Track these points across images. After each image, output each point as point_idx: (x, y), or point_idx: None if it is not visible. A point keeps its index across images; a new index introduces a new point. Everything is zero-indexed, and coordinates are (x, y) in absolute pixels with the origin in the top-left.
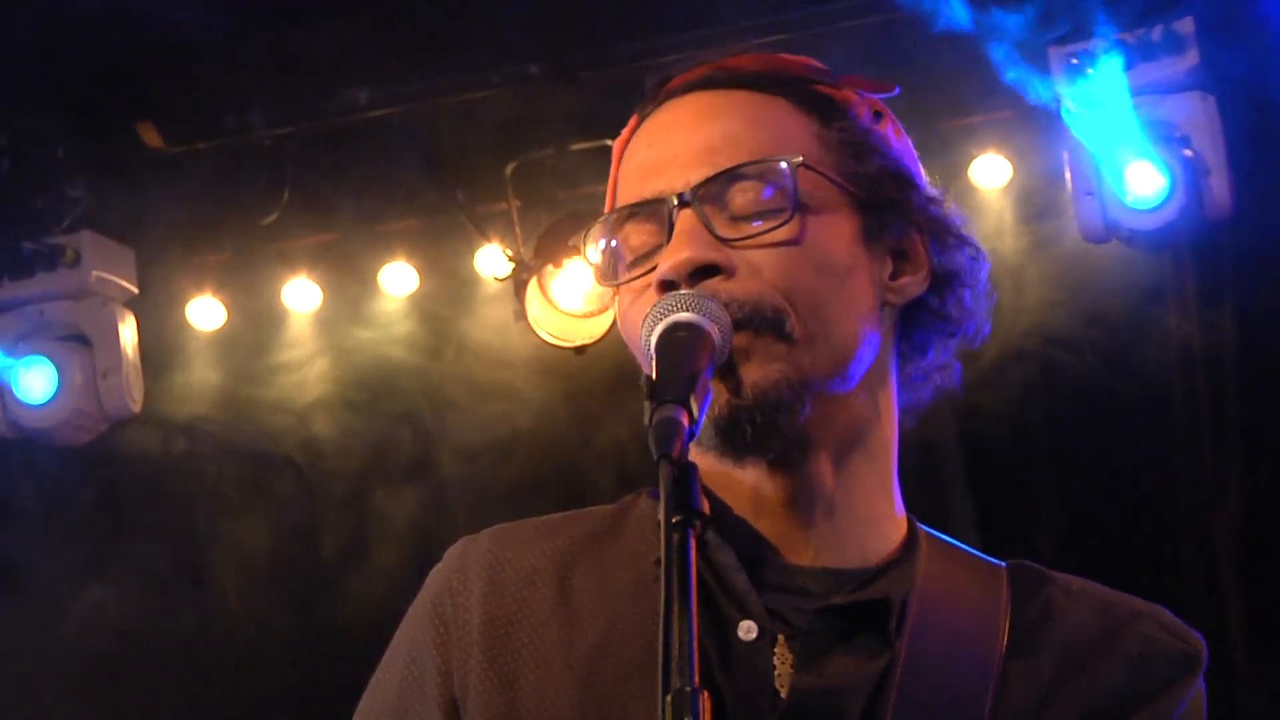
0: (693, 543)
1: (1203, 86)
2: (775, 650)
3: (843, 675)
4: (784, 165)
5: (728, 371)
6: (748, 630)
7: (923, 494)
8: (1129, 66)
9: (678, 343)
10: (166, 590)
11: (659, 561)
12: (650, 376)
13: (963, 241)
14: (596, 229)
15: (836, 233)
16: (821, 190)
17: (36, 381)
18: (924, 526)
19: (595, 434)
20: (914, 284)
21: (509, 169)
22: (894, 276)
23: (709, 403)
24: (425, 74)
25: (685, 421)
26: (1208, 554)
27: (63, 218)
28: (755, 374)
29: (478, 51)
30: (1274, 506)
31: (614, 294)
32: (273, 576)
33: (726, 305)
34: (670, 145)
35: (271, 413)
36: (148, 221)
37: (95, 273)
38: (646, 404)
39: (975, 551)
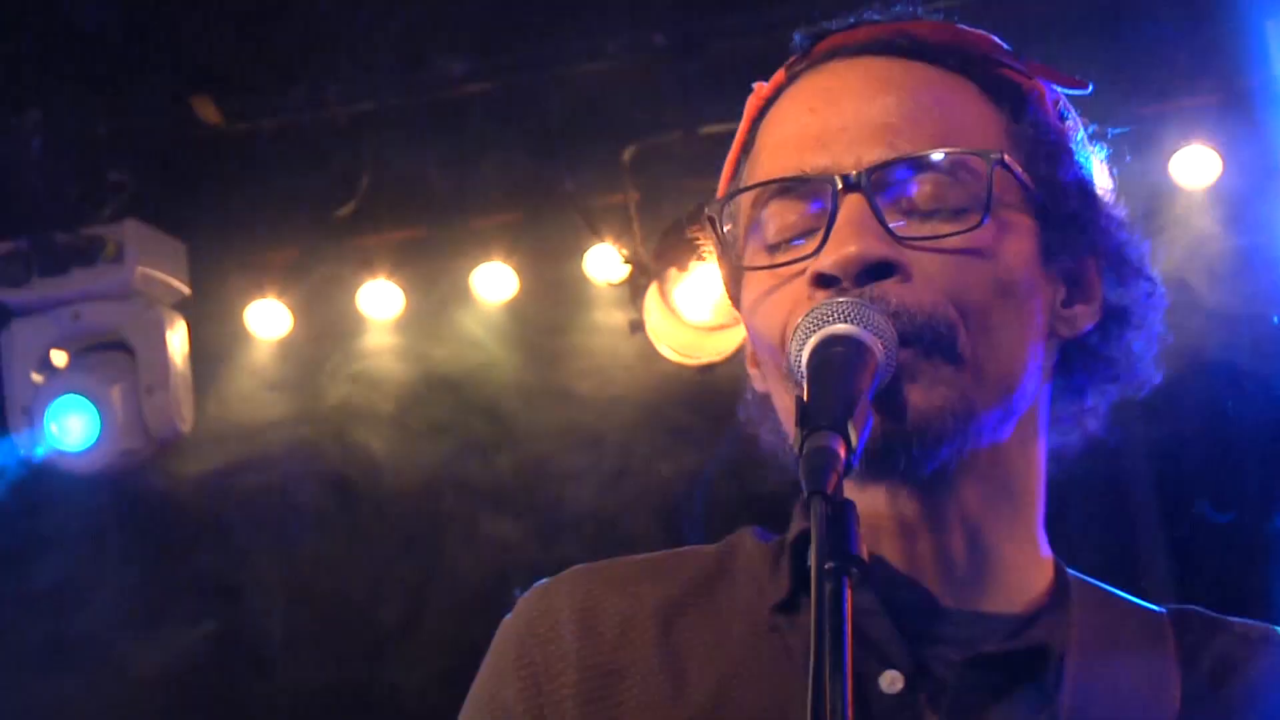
0: (848, 594)
1: None
2: (923, 707)
3: None
4: (981, 161)
5: (888, 393)
6: (891, 682)
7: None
8: None
9: (835, 359)
10: (216, 644)
11: (777, 609)
12: (801, 397)
13: (1141, 275)
14: (737, 203)
15: (1021, 247)
16: (1011, 195)
17: (75, 425)
18: (1074, 572)
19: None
20: (1086, 315)
21: (626, 155)
22: (1066, 304)
23: (869, 430)
24: (530, 43)
25: (842, 452)
26: None
27: (103, 206)
28: (919, 398)
29: (592, 17)
30: None
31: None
32: (337, 624)
33: (895, 315)
34: (839, 114)
35: (342, 436)
36: (202, 211)
37: (140, 269)
38: (796, 430)
39: (1132, 598)
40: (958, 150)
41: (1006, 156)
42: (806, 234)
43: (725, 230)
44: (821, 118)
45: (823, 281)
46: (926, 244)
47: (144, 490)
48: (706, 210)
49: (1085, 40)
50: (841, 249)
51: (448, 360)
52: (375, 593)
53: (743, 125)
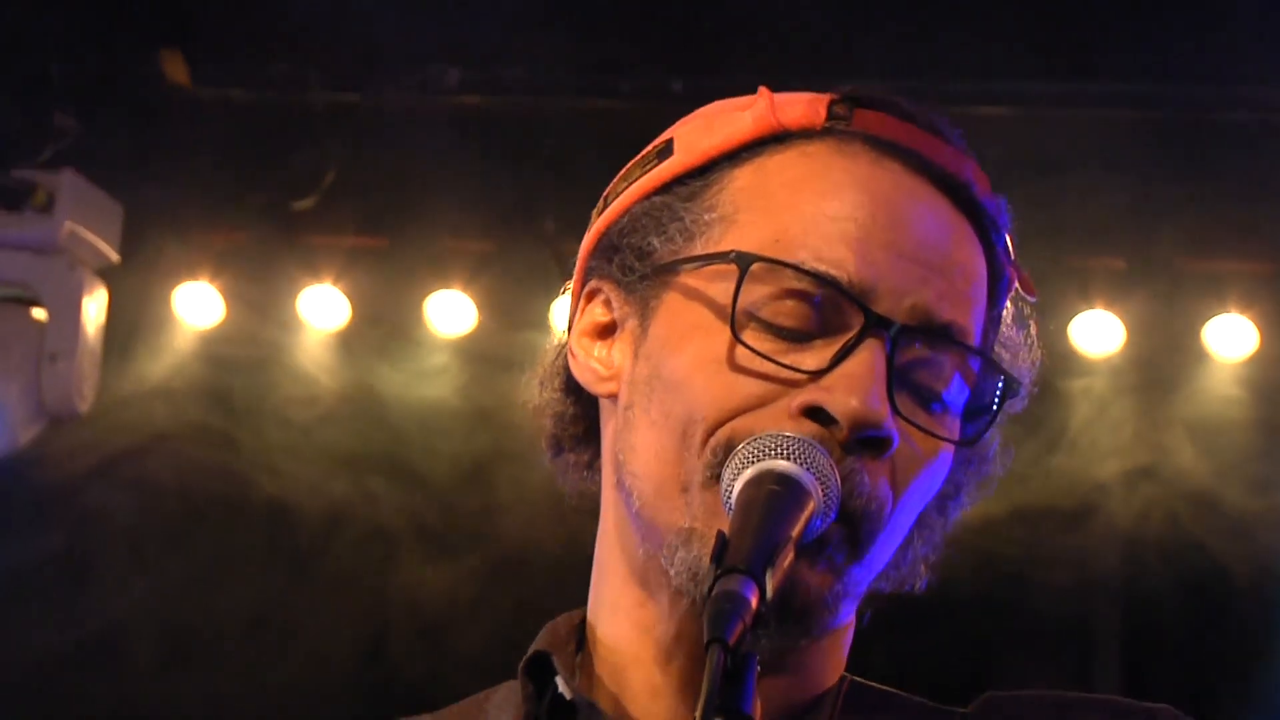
0: None
1: None
2: None
3: None
4: (1004, 381)
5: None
6: None
7: None
8: None
9: (771, 498)
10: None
11: None
12: (723, 532)
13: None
14: (760, 268)
15: (946, 474)
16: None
17: None
18: (855, 678)
19: None
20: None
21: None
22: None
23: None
24: (539, 64)
25: (754, 601)
26: None
27: (42, 149)
28: (818, 580)
29: (611, 51)
30: None
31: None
32: (211, 651)
33: (847, 477)
34: (900, 240)
35: (254, 449)
36: (148, 175)
37: (69, 225)
38: (710, 566)
39: (923, 702)
40: (1005, 371)
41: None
42: (799, 336)
43: (714, 282)
44: (883, 231)
45: (818, 417)
46: (913, 431)
47: (18, 467)
48: (734, 254)
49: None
50: (855, 399)
51: (389, 388)
52: (257, 629)
53: (743, 131)
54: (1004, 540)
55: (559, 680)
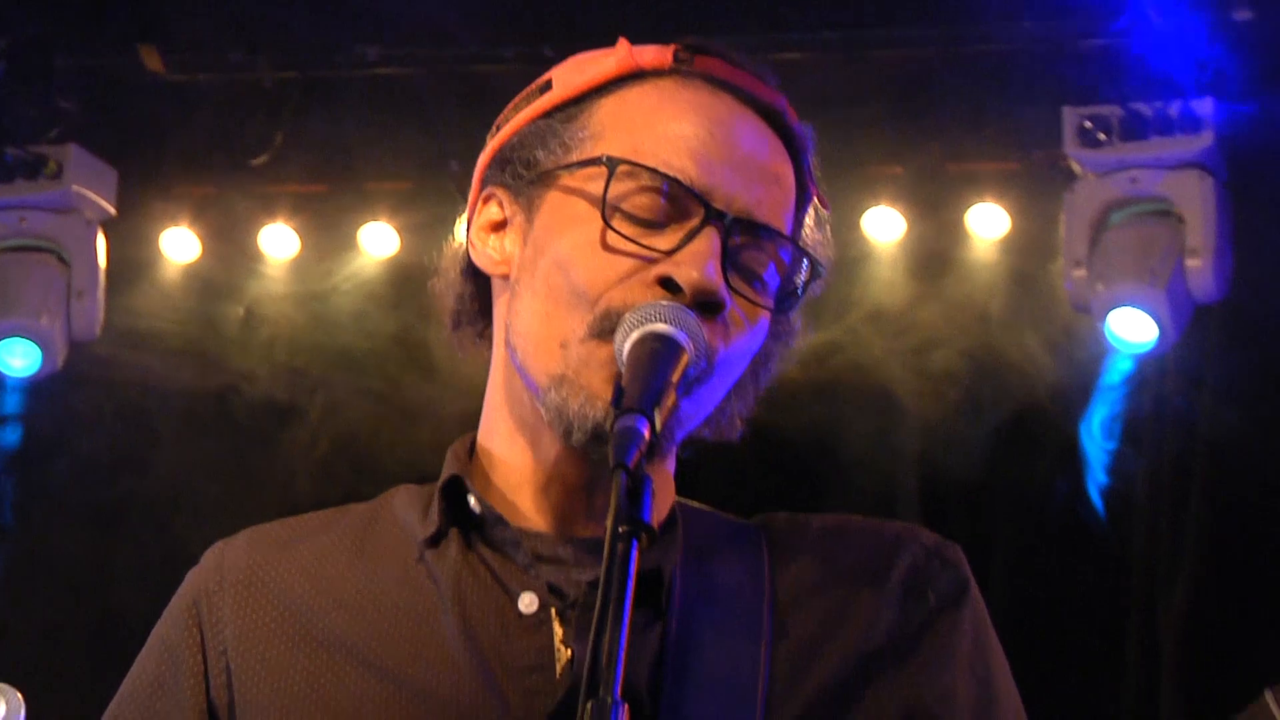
0: (635, 555)
1: (1210, 167)
2: (555, 623)
3: None
4: (810, 266)
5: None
6: (529, 604)
7: None
8: (1141, 138)
9: (655, 354)
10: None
11: (426, 543)
12: (619, 382)
13: (777, 364)
14: (624, 169)
15: (764, 338)
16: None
17: (18, 362)
18: (683, 500)
19: None
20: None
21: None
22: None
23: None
24: (437, 41)
25: (646, 433)
26: (1152, 648)
27: (51, 128)
28: (679, 409)
29: (492, 28)
30: (1220, 601)
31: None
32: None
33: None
34: (732, 154)
35: (230, 356)
36: (135, 145)
37: (75, 188)
38: (611, 409)
39: (728, 516)
40: (807, 253)
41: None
42: (654, 226)
43: (580, 177)
44: (719, 147)
45: (669, 286)
46: (739, 300)
47: (51, 388)
48: (605, 157)
49: (904, 100)
50: (696, 272)
51: (329, 297)
52: (231, 484)
53: (607, 70)
54: (805, 411)
55: (471, 498)
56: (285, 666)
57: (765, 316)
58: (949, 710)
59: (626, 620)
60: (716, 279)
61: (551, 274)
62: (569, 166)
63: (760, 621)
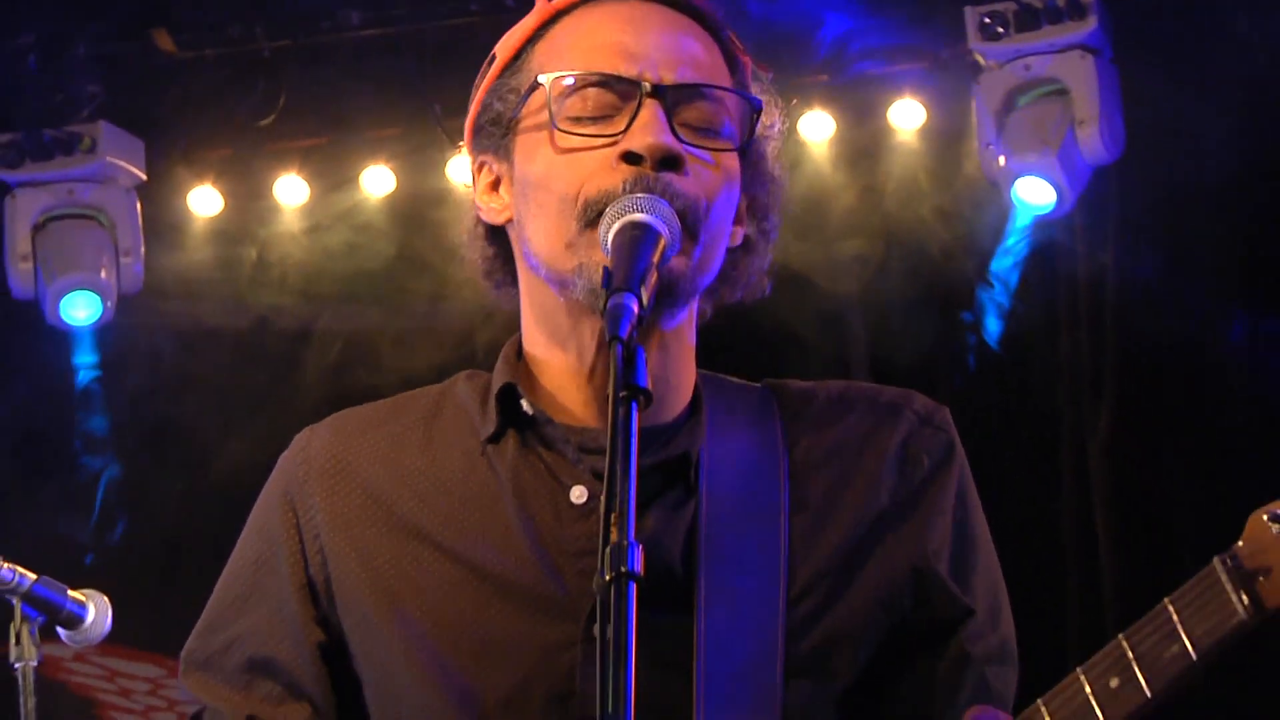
0: (636, 414)
1: (1094, 46)
2: (600, 504)
3: (657, 529)
4: (746, 107)
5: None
6: (579, 495)
7: None
8: (1035, 28)
9: (634, 240)
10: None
11: (487, 441)
12: (607, 266)
13: (771, 218)
14: (557, 81)
15: (737, 172)
16: (745, 137)
17: (81, 313)
18: (701, 370)
19: None
20: (739, 234)
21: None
22: (735, 222)
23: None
24: (413, 2)
25: (635, 308)
26: (1083, 471)
27: (81, 109)
28: (678, 264)
29: None
30: (1139, 426)
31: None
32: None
33: (674, 197)
34: (645, 38)
35: (255, 292)
36: (158, 117)
37: (109, 159)
38: (602, 291)
39: (742, 382)
40: (736, 91)
41: (762, 109)
42: (604, 119)
43: (534, 97)
44: (632, 38)
45: (630, 159)
46: (697, 151)
47: (103, 338)
48: (540, 78)
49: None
50: (651, 137)
51: (338, 235)
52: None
53: (531, 23)
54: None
55: (523, 401)
56: (373, 550)
57: (732, 158)
58: (941, 560)
59: (634, 472)
60: (667, 137)
61: (537, 194)
62: (520, 105)
63: (779, 493)
